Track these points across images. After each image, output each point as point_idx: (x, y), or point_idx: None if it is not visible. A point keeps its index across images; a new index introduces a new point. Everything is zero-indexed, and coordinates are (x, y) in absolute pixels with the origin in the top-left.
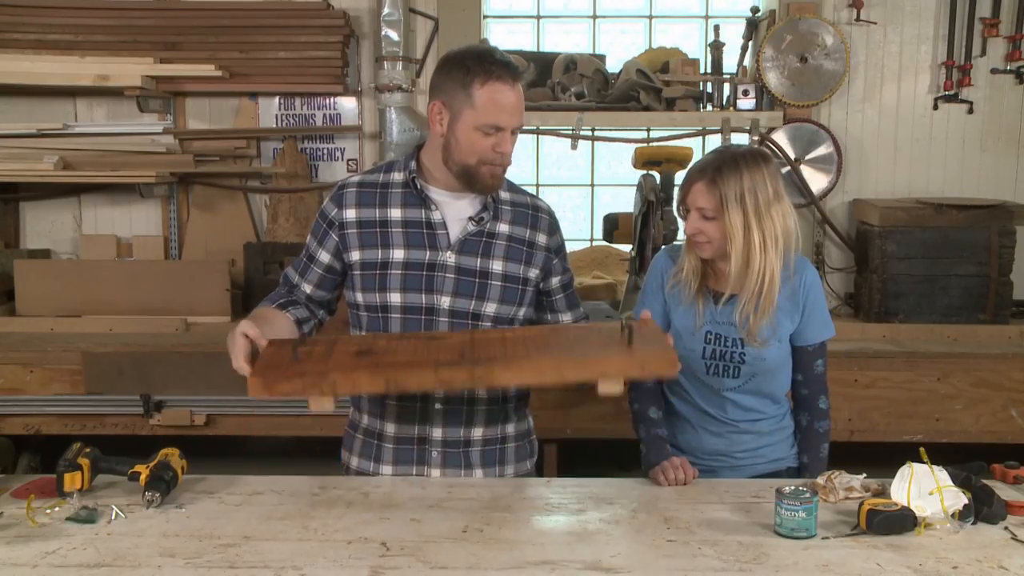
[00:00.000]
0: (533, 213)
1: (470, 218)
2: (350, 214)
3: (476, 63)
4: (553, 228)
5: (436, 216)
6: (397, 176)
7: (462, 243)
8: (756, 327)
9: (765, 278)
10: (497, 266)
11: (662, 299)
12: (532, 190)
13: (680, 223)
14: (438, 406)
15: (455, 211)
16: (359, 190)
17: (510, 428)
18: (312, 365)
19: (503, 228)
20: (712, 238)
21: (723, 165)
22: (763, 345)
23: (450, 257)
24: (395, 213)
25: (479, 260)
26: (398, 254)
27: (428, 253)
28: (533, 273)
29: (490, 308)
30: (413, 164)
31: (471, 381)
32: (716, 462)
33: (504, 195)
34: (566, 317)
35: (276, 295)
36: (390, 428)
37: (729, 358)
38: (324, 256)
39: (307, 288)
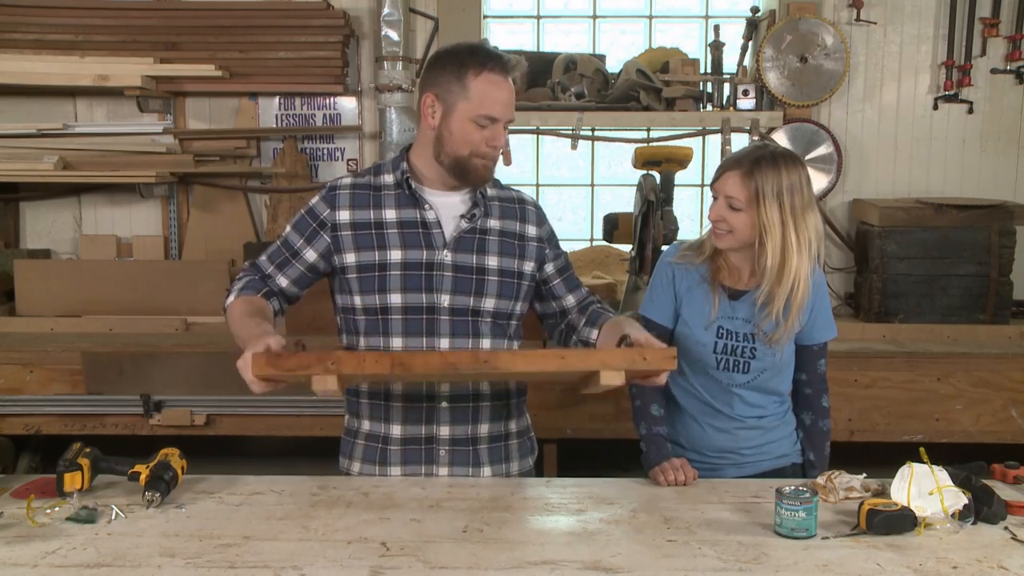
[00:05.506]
0: (520, 206)
1: (462, 216)
2: (344, 216)
3: (469, 56)
4: (541, 219)
5: (430, 215)
6: (387, 178)
7: (457, 241)
8: (789, 330)
9: (800, 280)
10: (492, 262)
11: (672, 293)
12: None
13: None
14: (444, 404)
15: (448, 210)
16: (352, 191)
17: (512, 425)
18: (316, 351)
19: (494, 224)
20: (734, 228)
21: (762, 159)
22: (779, 345)
23: (447, 255)
24: (390, 214)
25: (475, 257)
26: (395, 255)
27: (425, 252)
28: (528, 267)
29: (489, 303)
30: (404, 165)
31: (476, 364)
32: (722, 459)
33: (491, 191)
34: (570, 300)
35: (253, 282)
36: (396, 430)
37: (740, 353)
38: (310, 255)
39: (283, 282)
